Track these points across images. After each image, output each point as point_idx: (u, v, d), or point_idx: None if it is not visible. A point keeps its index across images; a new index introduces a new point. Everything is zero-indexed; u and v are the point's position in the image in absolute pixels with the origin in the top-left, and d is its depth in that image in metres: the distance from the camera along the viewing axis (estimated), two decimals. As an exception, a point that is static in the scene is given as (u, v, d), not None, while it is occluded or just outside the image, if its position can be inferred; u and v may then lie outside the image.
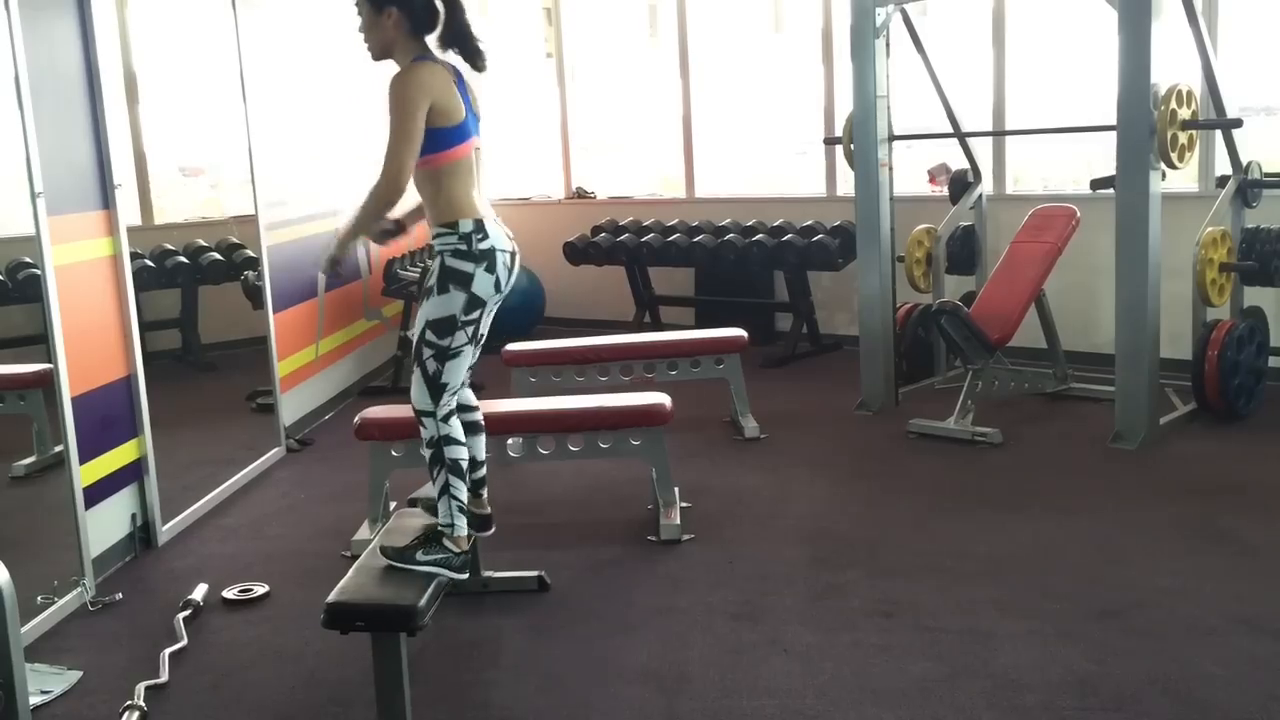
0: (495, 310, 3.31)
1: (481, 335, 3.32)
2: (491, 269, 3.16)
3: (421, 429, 3.25)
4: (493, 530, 3.59)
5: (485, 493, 3.54)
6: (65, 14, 4.18)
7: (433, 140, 3.10)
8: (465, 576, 3.26)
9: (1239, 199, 5.75)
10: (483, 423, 3.53)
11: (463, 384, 3.38)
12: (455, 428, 3.24)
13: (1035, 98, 7.22)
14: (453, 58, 3.24)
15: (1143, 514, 4.49)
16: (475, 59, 3.25)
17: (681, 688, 3.28)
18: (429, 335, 3.16)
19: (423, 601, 2.96)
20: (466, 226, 3.13)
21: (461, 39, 3.21)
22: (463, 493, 3.25)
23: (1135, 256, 5.22)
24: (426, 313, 3.17)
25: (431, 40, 3.21)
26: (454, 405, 3.27)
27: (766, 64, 8.54)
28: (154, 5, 5.80)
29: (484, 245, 3.14)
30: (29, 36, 3.85)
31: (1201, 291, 5.55)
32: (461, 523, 3.25)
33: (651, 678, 3.34)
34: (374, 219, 3.15)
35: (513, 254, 3.26)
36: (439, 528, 3.26)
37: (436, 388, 3.18)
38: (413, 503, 3.84)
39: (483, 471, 3.53)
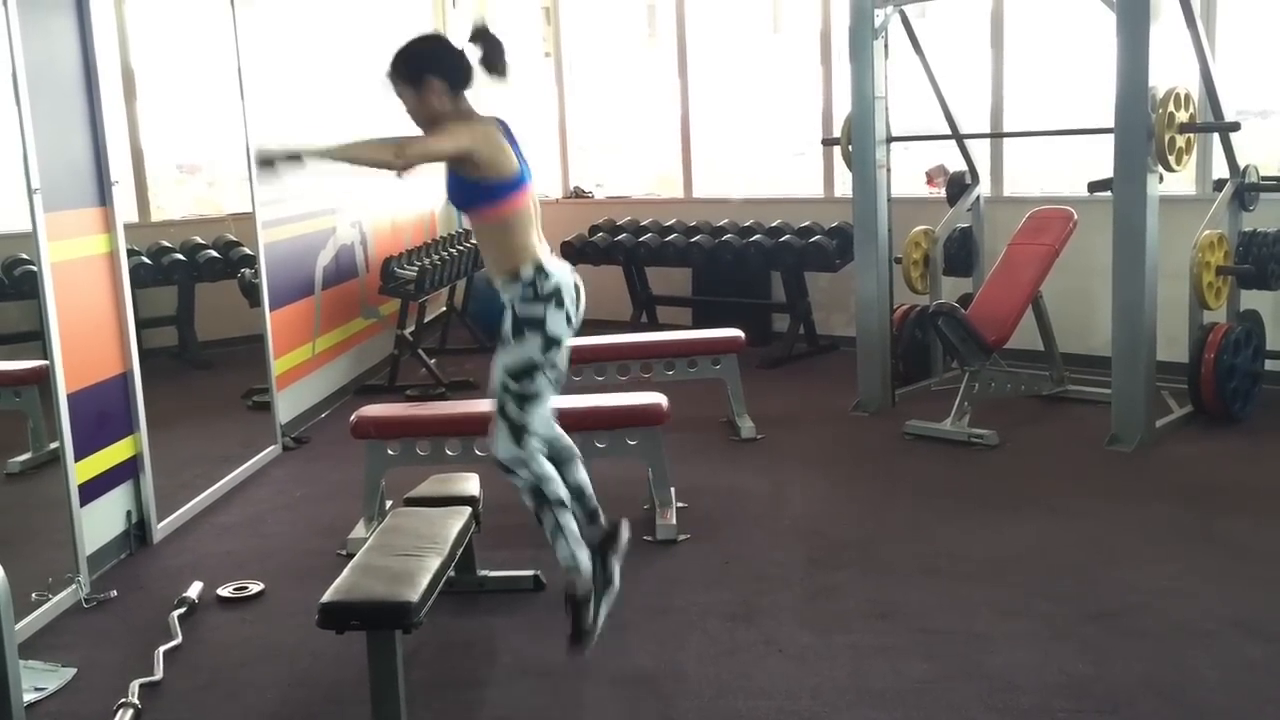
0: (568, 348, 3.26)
1: (561, 376, 3.26)
2: (560, 304, 3.16)
3: (514, 480, 3.21)
4: (625, 537, 3.42)
5: (602, 520, 3.42)
6: (63, 10, 4.17)
7: (491, 193, 3.13)
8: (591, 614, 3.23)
9: (1236, 202, 5.76)
10: (575, 449, 3.43)
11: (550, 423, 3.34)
12: (545, 465, 3.20)
13: (1033, 100, 7.22)
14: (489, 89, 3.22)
15: (1138, 516, 4.49)
16: (499, 70, 3.21)
17: (677, 688, 3.28)
18: (509, 384, 3.14)
19: (417, 599, 2.95)
20: (528, 272, 3.14)
21: (496, 67, 3.20)
22: (573, 523, 3.22)
23: (1132, 259, 5.22)
24: (504, 361, 3.14)
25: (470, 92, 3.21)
26: (538, 445, 3.21)
27: (765, 65, 8.54)
28: (152, 2, 5.79)
29: (549, 286, 3.14)
30: (27, 32, 3.84)
31: (1198, 294, 5.55)
32: (583, 554, 3.21)
33: (647, 678, 3.34)
34: (346, 156, 3.04)
35: (576, 286, 3.24)
36: (565, 570, 3.21)
37: (522, 433, 3.16)
38: (408, 501, 3.84)
39: (591, 500, 3.41)
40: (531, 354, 3.12)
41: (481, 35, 3.19)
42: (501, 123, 3.22)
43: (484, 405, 4.85)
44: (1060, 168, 7.46)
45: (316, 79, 6.69)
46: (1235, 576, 3.91)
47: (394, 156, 3.04)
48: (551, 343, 3.14)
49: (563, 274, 3.19)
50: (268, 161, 2.96)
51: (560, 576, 4.05)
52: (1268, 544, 4.18)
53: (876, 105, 6.02)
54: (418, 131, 3.21)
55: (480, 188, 3.12)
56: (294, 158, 2.95)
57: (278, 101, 6.05)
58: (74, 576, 4.03)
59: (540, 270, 3.14)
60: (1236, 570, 3.96)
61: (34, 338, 4.07)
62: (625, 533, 3.41)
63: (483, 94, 3.27)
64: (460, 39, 3.22)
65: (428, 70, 3.15)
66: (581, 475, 3.40)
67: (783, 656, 3.45)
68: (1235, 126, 5.51)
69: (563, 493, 3.22)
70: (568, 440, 3.41)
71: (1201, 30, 5.44)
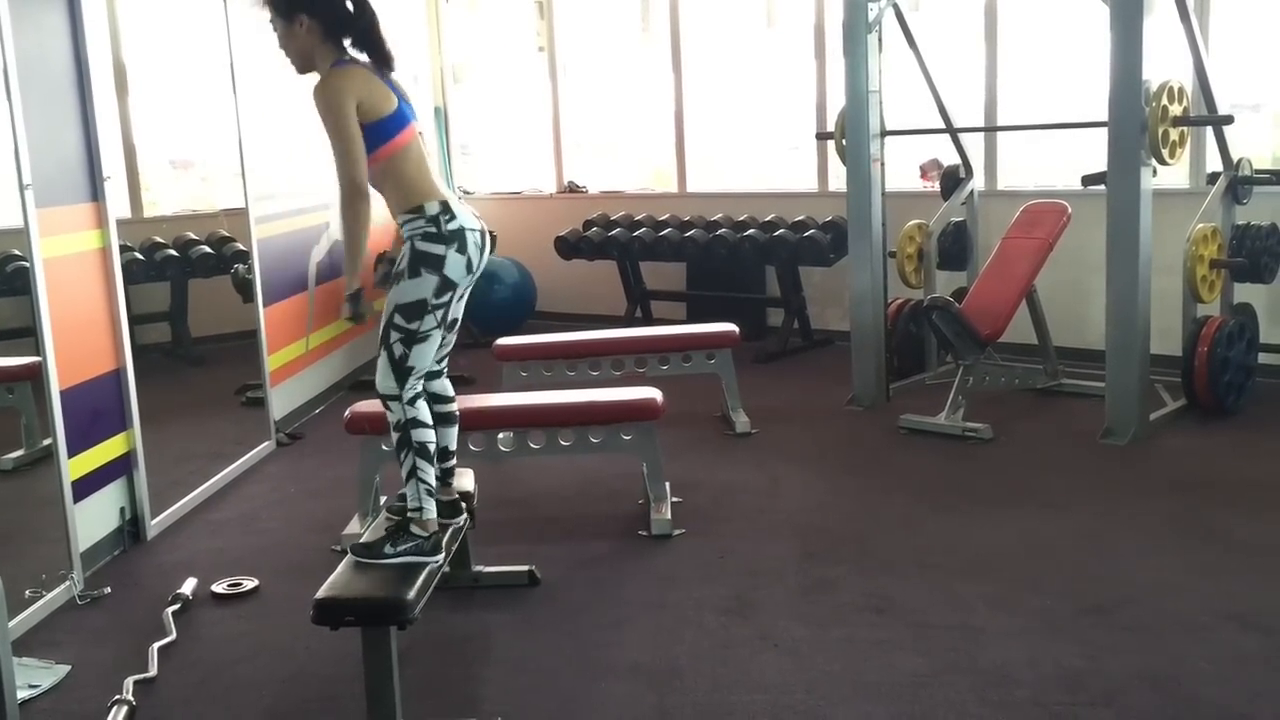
0: (467, 294, 3.29)
1: (454, 320, 3.31)
2: (463, 249, 3.16)
3: (387, 413, 3.23)
4: (464, 517, 3.52)
5: (454, 481, 3.52)
6: (55, 5, 4.16)
7: (372, 135, 3.12)
8: (440, 558, 3.20)
9: (1229, 196, 5.77)
10: (457, 414, 3.50)
11: (439, 373, 3.38)
12: (422, 410, 3.22)
13: (1027, 93, 7.22)
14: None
15: (1132, 510, 4.50)
16: (384, 63, 3.22)
17: (672, 683, 3.28)
18: (397, 319, 3.15)
19: (412, 595, 2.95)
20: (433, 209, 3.14)
21: (371, 42, 3.20)
22: (430, 476, 3.23)
23: (1126, 253, 5.23)
24: (395, 297, 3.15)
25: (346, 42, 3.21)
26: (420, 389, 3.24)
27: (759, 59, 8.52)
28: (144, -3, 5.78)
29: (452, 226, 3.14)
30: (18, 27, 3.83)
31: (1192, 288, 5.56)
32: (430, 505, 3.23)
33: (642, 673, 3.34)
34: (359, 239, 3.13)
35: (483, 232, 3.24)
36: (408, 513, 3.24)
37: (403, 371, 3.17)
38: (402, 497, 3.83)
39: (452, 462, 3.50)
40: (423, 293, 3.13)
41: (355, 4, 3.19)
42: (374, 67, 3.20)
43: (477, 400, 4.88)
44: (1054, 161, 7.46)
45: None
46: (1229, 569, 3.91)
47: (353, 193, 3.09)
48: (446, 285, 3.15)
49: (468, 219, 3.20)
50: (354, 312, 3.21)
51: (559, 574, 4.07)
52: (1261, 537, 4.18)
53: (870, 99, 6.02)
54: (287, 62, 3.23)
55: (365, 134, 3.11)
56: (356, 301, 3.20)
57: (270, 96, 6.04)
58: (67, 573, 4.02)
59: (445, 209, 3.15)
60: (1230, 563, 3.97)
61: (26, 334, 4.06)
62: (464, 520, 3.48)
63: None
64: None
65: (301, 7, 3.15)
66: (451, 439, 3.46)
67: (778, 651, 3.45)
68: (1229, 120, 5.52)
69: (429, 441, 3.23)
70: (454, 404, 3.47)
71: (1195, 24, 5.45)
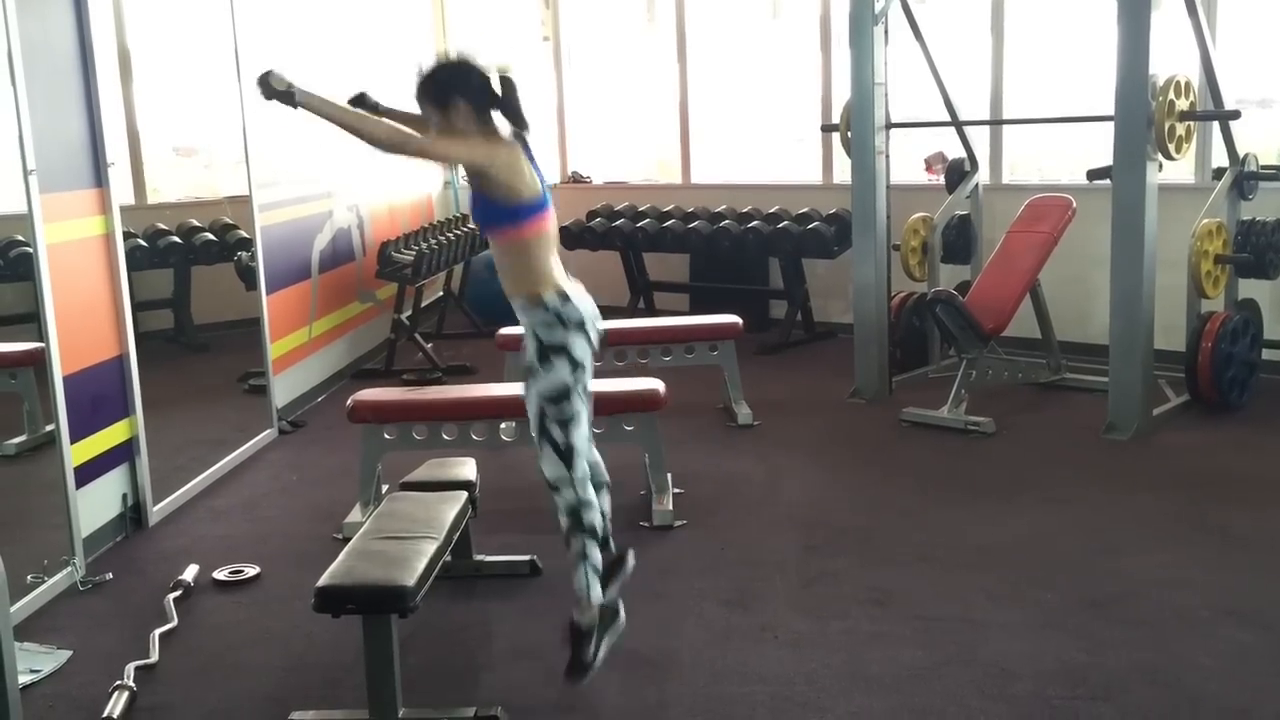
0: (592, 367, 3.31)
1: (589, 392, 3.30)
2: (583, 330, 3.20)
3: (557, 498, 3.22)
4: (630, 565, 3.40)
5: (612, 543, 3.40)
6: (59, -10, 4.16)
7: (515, 214, 3.14)
8: (593, 646, 3.17)
9: (1235, 191, 5.76)
10: (608, 479, 3.45)
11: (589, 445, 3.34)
12: (589, 491, 3.23)
13: (1033, 87, 7.20)
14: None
15: (1134, 505, 4.50)
16: (523, 126, 3.24)
17: (672, 673, 3.28)
18: (548, 409, 3.17)
19: (414, 583, 2.95)
20: (552, 300, 3.16)
21: (514, 117, 3.22)
22: (598, 557, 3.22)
23: (1131, 247, 5.22)
24: (538, 390, 3.16)
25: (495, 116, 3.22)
26: (586, 470, 3.24)
27: (764, 50, 8.50)
28: (149, -17, 5.77)
29: (574, 314, 3.18)
30: (23, 12, 3.82)
31: (1196, 283, 5.55)
32: (598, 589, 3.21)
33: (642, 663, 3.34)
34: (340, 121, 3.07)
35: (595, 315, 3.28)
36: (577, 598, 3.20)
37: (568, 455, 3.19)
38: (405, 486, 3.83)
39: (608, 529, 3.38)
40: (563, 378, 3.15)
41: (501, 81, 3.21)
42: (524, 144, 3.22)
43: (480, 389, 4.88)
44: (1059, 155, 7.44)
45: (314, 60, 6.65)
46: (1230, 565, 3.92)
47: (369, 138, 3.05)
48: (577, 365, 3.18)
49: (585, 303, 3.24)
50: (265, 85, 3.07)
51: (561, 564, 4.07)
52: (1262, 532, 4.18)
53: (876, 92, 6.00)
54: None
55: (504, 209, 3.13)
56: (287, 96, 3.06)
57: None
58: (69, 559, 4.03)
59: (564, 298, 3.17)
60: (1231, 559, 3.97)
61: (30, 320, 4.06)
62: (631, 561, 3.40)
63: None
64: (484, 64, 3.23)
65: (454, 92, 3.17)
66: (606, 504, 3.42)
67: (778, 642, 3.45)
68: (1235, 115, 5.50)
69: (598, 523, 3.23)
70: (603, 469, 3.43)
71: (1202, 18, 5.43)
